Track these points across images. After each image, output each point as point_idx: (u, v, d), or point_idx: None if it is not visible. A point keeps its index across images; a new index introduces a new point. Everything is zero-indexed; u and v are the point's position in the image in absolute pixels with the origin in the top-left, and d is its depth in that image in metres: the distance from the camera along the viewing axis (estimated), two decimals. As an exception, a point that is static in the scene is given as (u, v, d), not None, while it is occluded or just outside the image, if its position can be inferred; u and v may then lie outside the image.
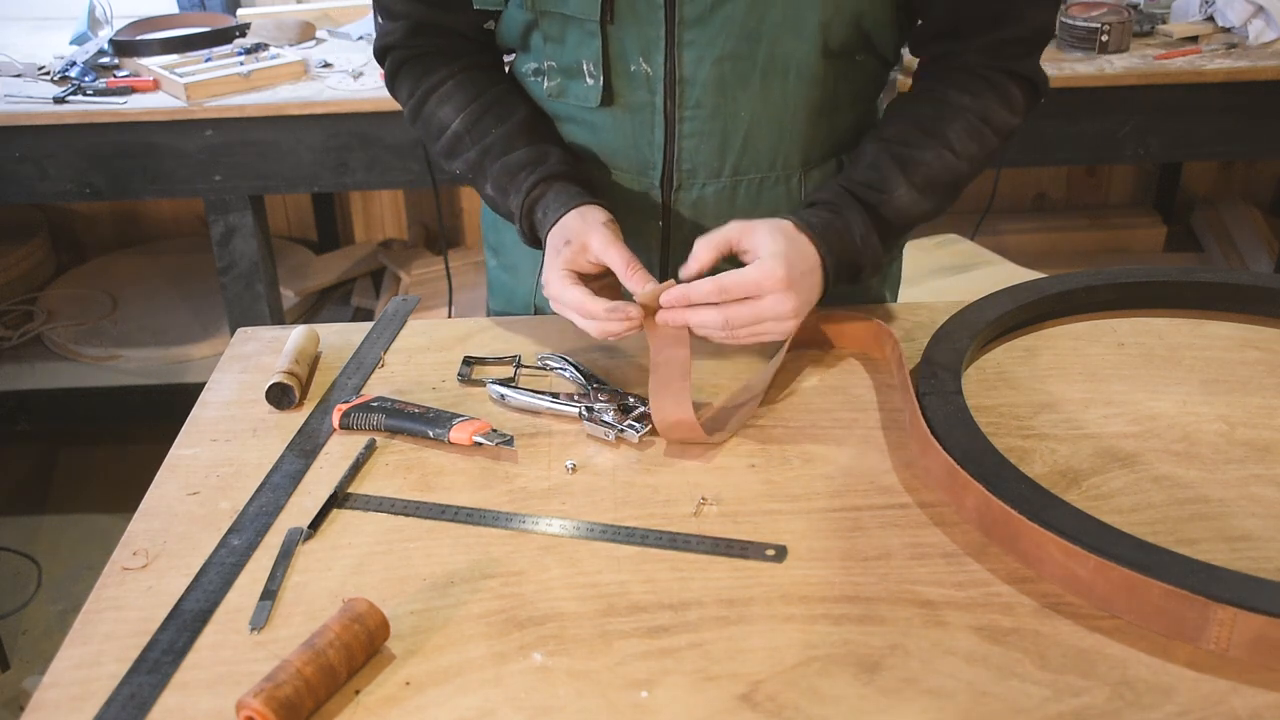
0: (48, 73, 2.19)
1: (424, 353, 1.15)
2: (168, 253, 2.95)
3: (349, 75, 2.19)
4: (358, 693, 0.74)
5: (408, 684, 0.74)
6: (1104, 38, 2.18)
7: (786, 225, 1.00)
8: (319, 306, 2.84)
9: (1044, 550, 0.81)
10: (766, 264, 0.95)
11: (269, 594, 0.82)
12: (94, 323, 2.66)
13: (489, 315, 1.37)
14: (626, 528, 0.88)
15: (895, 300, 1.34)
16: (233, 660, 0.77)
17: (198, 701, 0.73)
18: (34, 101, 2.07)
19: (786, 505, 0.91)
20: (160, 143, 2.12)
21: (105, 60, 2.24)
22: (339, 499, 0.92)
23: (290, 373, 1.06)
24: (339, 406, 1.02)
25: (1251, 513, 0.89)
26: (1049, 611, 0.79)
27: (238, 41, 2.28)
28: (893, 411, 1.02)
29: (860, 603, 0.80)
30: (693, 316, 0.97)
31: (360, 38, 2.41)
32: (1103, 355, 1.11)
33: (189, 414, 1.05)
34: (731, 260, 1.00)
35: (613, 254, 1.00)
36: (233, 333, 1.21)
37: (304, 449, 0.99)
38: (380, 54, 1.20)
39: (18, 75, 2.20)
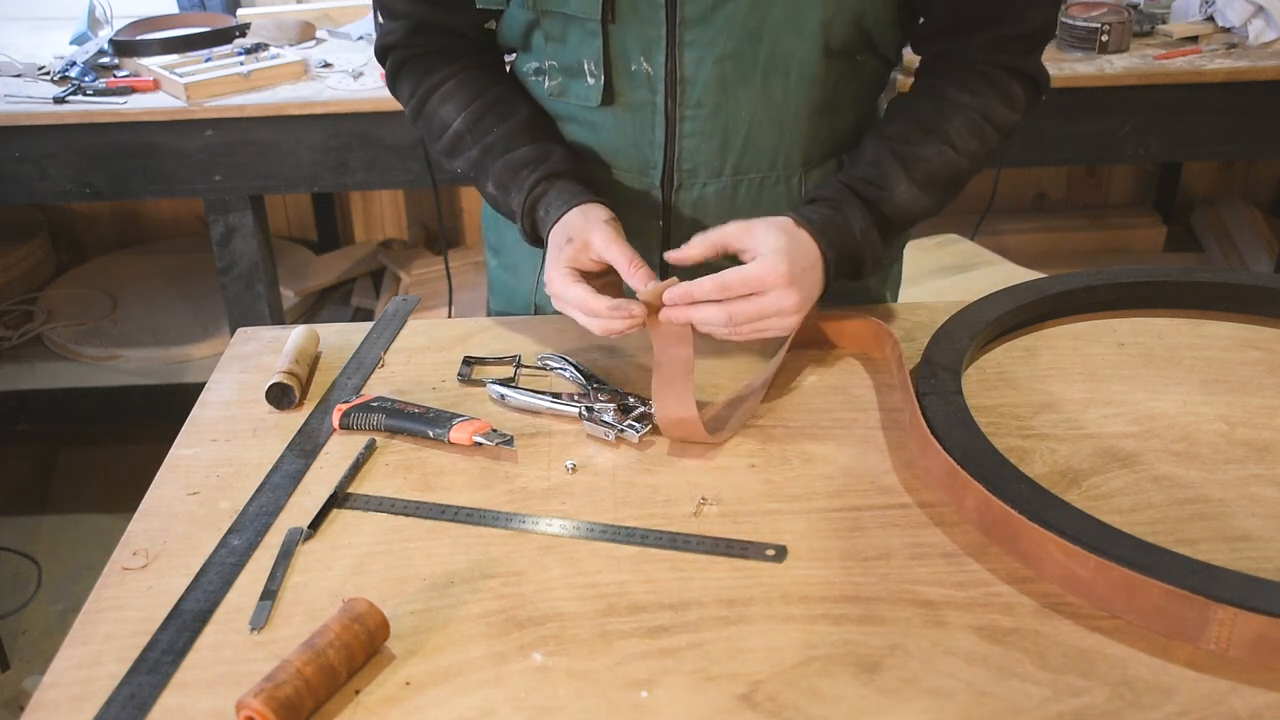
0: (48, 73, 2.19)
1: (424, 353, 1.15)
2: (168, 253, 2.95)
3: (349, 75, 2.19)
4: (358, 693, 0.74)
5: (408, 684, 0.74)
6: (1104, 38, 2.18)
7: (786, 222, 1.00)
8: (319, 306, 2.84)
9: (1044, 550, 0.81)
10: (769, 260, 0.95)
11: (269, 594, 0.82)
12: (94, 323, 2.66)
13: (489, 315, 1.37)
14: (626, 528, 0.88)
15: (895, 300, 1.34)
16: (233, 660, 0.77)
17: (198, 701, 0.74)
18: (34, 101, 2.07)
19: (786, 505, 0.91)
20: (160, 143, 2.12)
21: (105, 60, 2.24)
22: (339, 499, 0.92)
23: (290, 373, 1.06)
24: (339, 406, 1.02)
25: (1251, 513, 0.89)
26: (1049, 611, 0.79)
27: (238, 41, 2.28)
28: (893, 411, 1.02)
29: (860, 603, 0.80)
30: (696, 314, 0.97)
31: (360, 38, 2.41)
32: (1103, 355, 1.11)
33: (189, 414, 1.05)
34: (731, 260, 1.00)
35: (615, 252, 1.00)
36: (233, 333, 1.21)
37: (304, 449, 0.99)
38: (381, 53, 1.20)
39: (18, 75, 2.20)
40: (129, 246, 3.00)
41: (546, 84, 1.15)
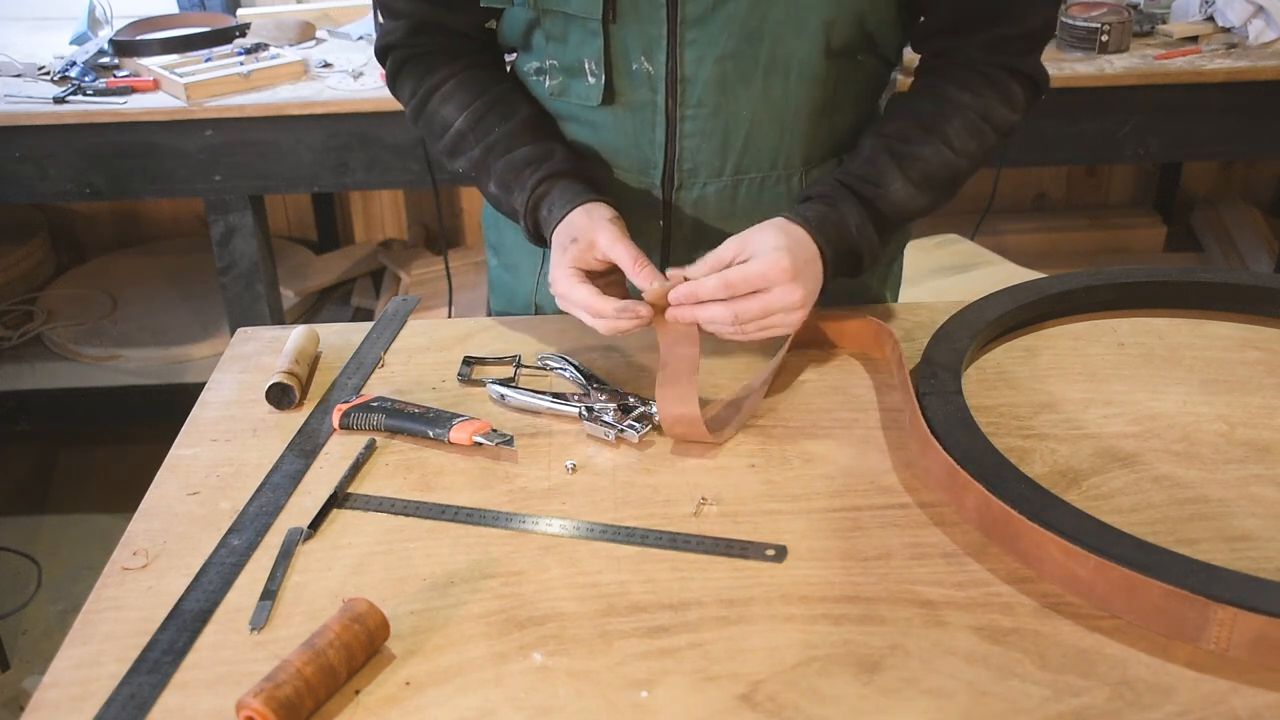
0: (48, 73, 2.19)
1: (424, 353, 1.15)
2: (168, 253, 2.95)
3: (349, 75, 2.19)
4: (358, 693, 0.74)
5: (408, 684, 0.74)
6: (1104, 38, 2.18)
7: (781, 221, 1.00)
8: (319, 306, 2.84)
9: (1044, 550, 0.81)
10: (770, 257, 0.95)
11: (269, 594, 0.82)
12: (94, 323, 2.66)
13: (490, 314, 1.37)
14: (626, 528, 0.88)
15: (895, 300, 1.34)
16: (233, 660, 0.77)
17: (198, 701, 0.73)
18: (34, 101, 2.07)
19: (786, 505, 0.91)
20: (160, 143, 2.12)
21: (105, 60, 2.24)
22: (339, 499, 0.92)
23: (290, 373, 1.06)
24: (339, 406, 1.02)
25: (1251, 513, 0.89)
26: (1049, 611, 0.79)
27: (238, 41, 2.28)
28: (893, 411, 1.02)
29: (860, 603, 0.80)
30: (701, 313, 0.97)
31: (360, 38, 2.41)
32: (1103, 355, 1.11)
33: (189, 414, 1.05)
34: None
35: (619, 250, 1.00)
36: (233, 333, 1.21)
37: (304, 449, 0.99)
38: (381, 53, 1.20)
39: (18, 75, 2.20)
40: (129, 246, 3.00)
41: (547, 83, 1.15)
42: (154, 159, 2.14)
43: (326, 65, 2.25)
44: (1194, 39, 2.26)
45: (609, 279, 1.04)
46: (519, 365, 1.11)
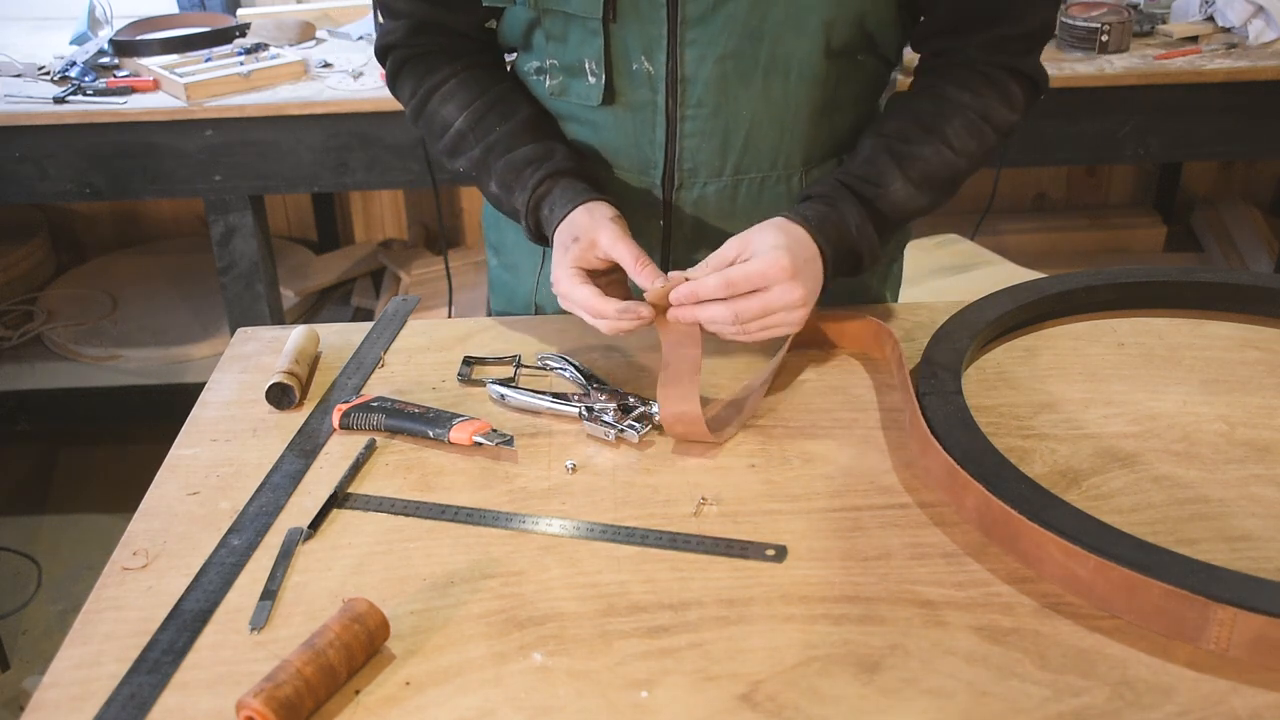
0: (48, 73, 2.19)
1: (424, 353, 1.15)
2: (168, 253, 2.95)
3: (349, 75, 2.19)
4: (358, 693, 0.74)
5: (408, 684, 0.74)
6: (1104, 38, 2.18)
7: (781, 221, 1.00)
8: (319, 306, 2.84)
9: (1044, 550, 0.81)
10: (770, 256, 0.95)
11: (269, 594, 0.82)
12: (94, 323, 2.66)
13: (490, 314, 1.37)
14: (626, 528, 0.88)
15: (895, 300, 1.34)
16: (233, 660, 0.77)
17: (198, 701, 0.73)
18: (34, 101, 2.07)
19: (786, 505, 0.91)
20: (160, 143, 2.12)
21: (105, 60, 2.24)
22: (339, 499, 0.92)
23: (290, 373, 1.06)
24: (339, 406, 1.02)
25: (1251, 513, 0.89)
26: (1049, 611, 0.79)
27: (238, 41, 2.28)
28: (893, 411, 1.02)
29: (860, 603, 0.80)
30: (702, 313, 0.97)
31: (360, 38, 2.41)
32: (1103, 355, 1.11)
33: (189, 414, 1.05)
34: None
35: (621, 249, 1.00)
36: (233, 333, 1.21)
37: (304, 449, 0.99)
38: (381, 53, 1.20)
39: (18, 75, 2.20)
40: (129, 246, 3.00)
41: (547, 83, 1.15)
42: (154, 159, 2.14)
43: (326, 65, 2.25)
44: (1194, 39, 2.26)
45: (610, 278, 1.04)
46: (519, 365, 1.11)
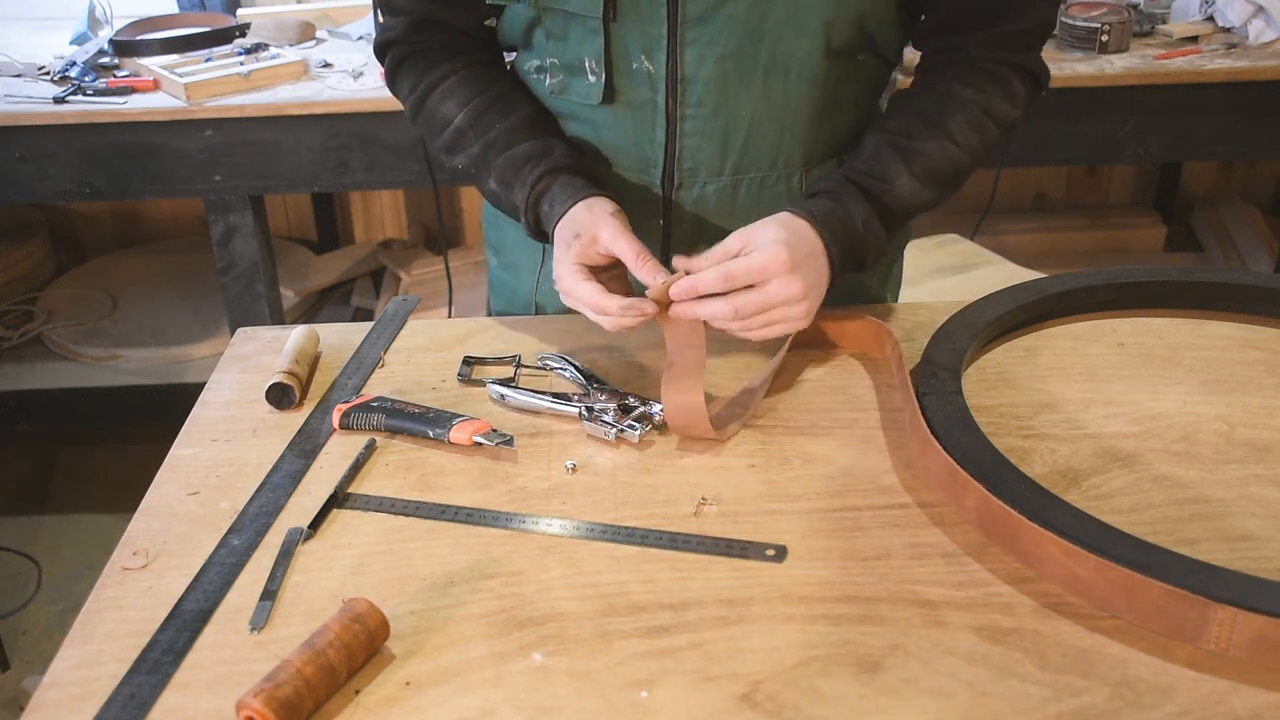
0: (48, 73, 2.19)
1: (424, 353, 1.15)
2: (168, 253, 2.95)
3: (349, 75, 2.19)
4: (358, 693, 0.74)
5: (408, 684, 0.74)
6: (1104, 38, 2.18)
7: (785, 215, 1.00)
8: (319, 306, 2.84)
9: (1044, 550, 0.81)
10: (768, 250, 0.95)
11: (269, 594, 0.82)
12: (94, 323, 2.66)
13: (490, 314, 1.37)
14: (626, 528, 0.88)
15: (895, 300, 1.34)
16: (233, 660, 0.77)
17: (198, 701, 0.73)
18: (34, 101, 2.07)
19: (786, 505, 0.91)
20: (160, 143, 2.12)
21: (105, 60, 2.24)
22: (339, 499, 0.92)
23: (290, 373, 1.06)
24: (339, 406, 1.02)
25: (1251, 513, 0.89)
26: (1049, 611, 0.79)
27: (238, 41, 2.28)
28: (893, 411, 1.02)
29: (860, 603, 0.80)
30: (702, 309, 0.97)
31: (360, 38, 2.41)
32: (1103, 355, 1.11)
33: (189, 414, 1.05)
34: None
35: (622, 245, 1.00)
36: (233, 333, 1.21)
37: (304, 449, 0.99)
38: (380, 50, 1.19)
39: (18, 75, 2.20)
40: (129, 246, 3.00)
41: (547, 82, 1.15)
42: (154, 159, 2.14)
43: (326, 65, 2.25)
44: (1194, 39, 2.26)
45: (611, 273, 1.04)
46: (519, 365, 1.11)
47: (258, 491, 0.94)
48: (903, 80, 1.25)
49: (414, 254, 2.92)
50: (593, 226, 1.01)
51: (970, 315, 1.10)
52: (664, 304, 0.98)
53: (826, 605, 0.80)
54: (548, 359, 1.11)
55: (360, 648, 0.74)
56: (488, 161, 1.12)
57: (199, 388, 1.09)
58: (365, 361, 1.13)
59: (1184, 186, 3.11)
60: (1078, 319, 1.17)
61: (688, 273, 0.97)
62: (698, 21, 1.05)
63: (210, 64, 2.16)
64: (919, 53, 1.16)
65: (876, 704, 0.72)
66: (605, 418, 0.99)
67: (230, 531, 0.89)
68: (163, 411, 2.34)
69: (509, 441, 0.96)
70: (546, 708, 0.72)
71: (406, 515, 0.91)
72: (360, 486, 0.94)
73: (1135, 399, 1.03)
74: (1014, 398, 1.04)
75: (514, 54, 1.21)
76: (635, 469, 0.96)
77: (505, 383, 1.06)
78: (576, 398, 1.03)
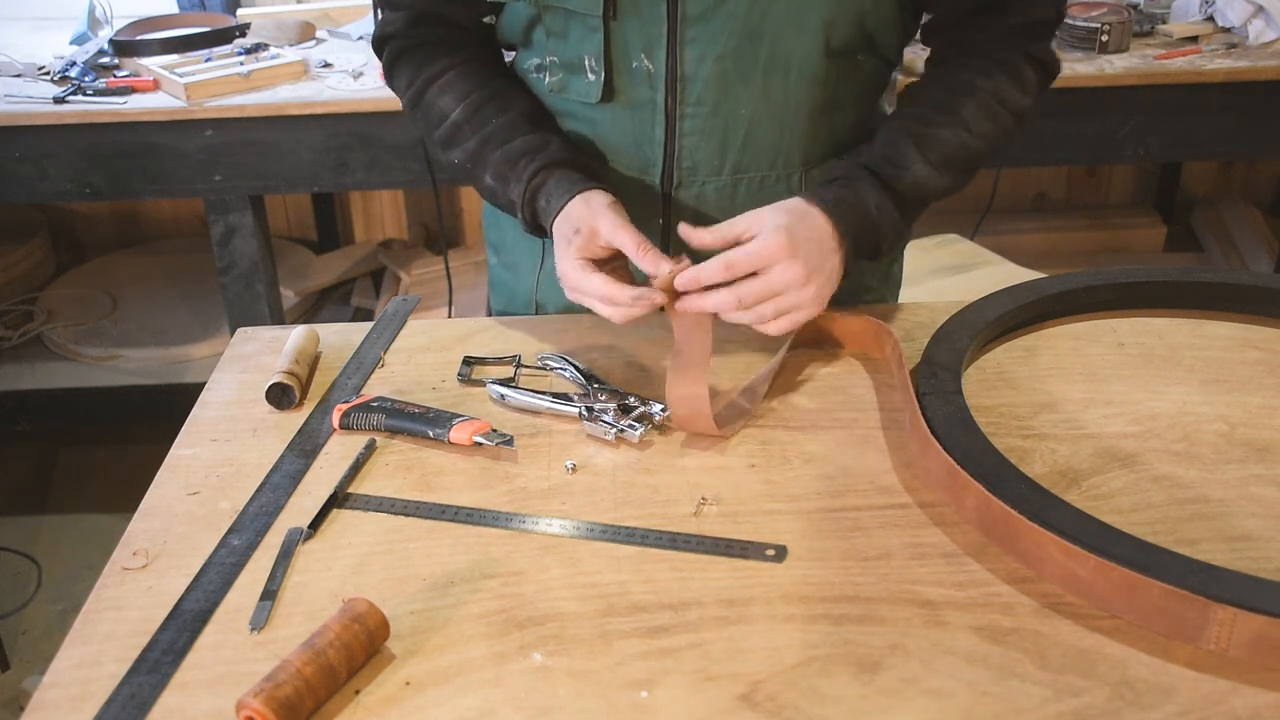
0: (48, 73, 2.19)
1: (424, 353, 1.15)
2: (168, 253, 2.95)
3: (349, 75, 2.19)
4: (358, 693, 0.74)
5: (408, 684, 0.74)
6: (1104, 38, 2.18)
7: (796, 202, 1.01)
8: (319, 306, 2.84)
9: (1044, 550, 0.81)
10: (768, 235, 0.96)
11: (269, 594, 0.82)
12: (94, 323, 2.66)
13: (490, 312, 1.37)
14: (626, 528, 0.88)
15: (895, 300, 1.34)
16: (233, 660, 0.77)
17: (198, 701, 0.73)
18: (34, 101, 2.07)
19: (786, 505, 0.91)
20: (160, 143, 2.12)
21: (105, 60, 2.24)
22: (339, 499, 0.92)
23: (290, 373, 1.06)
24: (339, 406, 1.02)
25: (1251, 513, 0.89)
26: (1049, 611, 0.79)
27: (238, 41, 2.28)
28: (893, 411, 1.02)
29: (860, 603, 0.80)
30: (706, 301, 0.97)
31: (360, 38, 2.41)
32: (1103, 355, 1.11)
33: (189, 414, 1.05)
34: None
35: (623, 236, 1.00)
36: (233, 333, 1.21)
37: (304, 449, 0.99)
38: (379, 43, 1.20)
39: (18, 75, 2.20)
40: (129, 246, 3.00)
41: (547, 80, 1.15)
42: (154, 159, 2.14)
43: (326, 65, 2.25)
44: (1194, 39, 2.26)
45: (612, 265, 1.04)
46: (519, 365, 1.11)
47: (258, 491, 0.94)
48: (903, 80, 1.25)
49: (414, 254, 2.92)
50: (591, 221, 1.01)
51: (970, 315, 1.10)
52: (670, 292, 0.98)
53: (826, 605, 0.80)
54: (548, 359, 1.11)
55: (360, 648, 0.74)
56: (484, 156, 1.12)
57: (199, 388, 1.09)
58: (365, 361, 1.13)
59: (1184, 186, 3.11)
60: (1078, 319, 1.17)
61: (690, 258, 0.97)
62: (698, 20, 1.05)
63: (210, 64, 2.16)
64: (929, 48, 1.16)
65: (876, 704, 0.72)
66: (605, 418, 0.99)
67: (230, 531, 0.89)
68: (163, 411, 2.34)
69: (509, 441, 0.96)
70: (546, 708, 0.72)
71: (406, 515, 0.91)
72: (360, 486, 0.94)
73: (1135, 399, 1.03)
74: (1014, 398, 1.04)
75: (513, 54, 1.21)
76: (635, 469, 0.96)
77: (505, 383, 1.06)
78: (576, 398, 1.03)
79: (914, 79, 1.16)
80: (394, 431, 1.01)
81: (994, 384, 1.06)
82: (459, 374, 1.10)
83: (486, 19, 1.17)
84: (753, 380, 1.06)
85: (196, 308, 2.71)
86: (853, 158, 1.08)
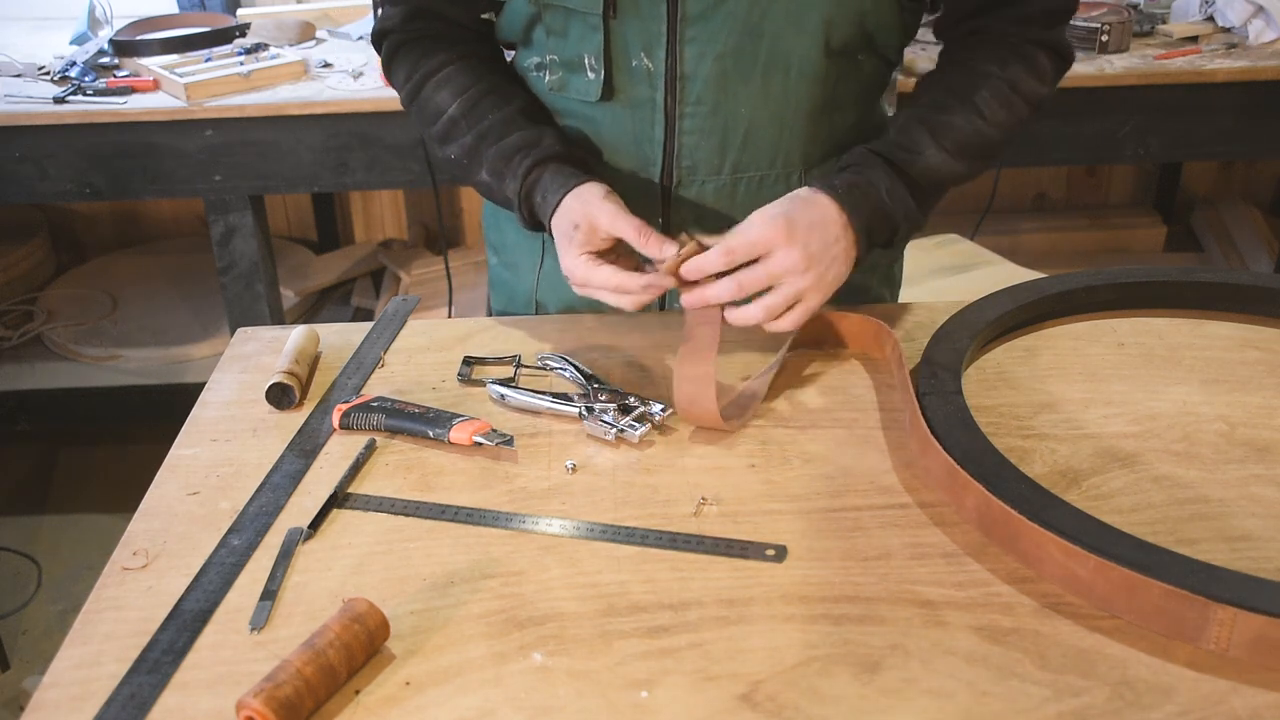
0: (48, 73, 2.19)
1: (424, 353, 1.15)
2: (168, 253, 2.95)
3: (349, 75, 2.19)
4: (358, 693, 0.74)
5: (408, 684, 0.74)
6: (1104, 38, 2.18)
7: (802, 189, 1.01)
8: (319, 306, 2.84)
9: (1044, 550, 0.81)
10: (765, 223, 0.96)
11: (269, 594, 0.82)
12: (94, 323, 2.66)
13: (490, 313, 1.37)
14: (626, 528, 0.88)
15: (895, 300, 1.34)
16: (233, 660, 0.77)
17: (198, 701, 0.73)
18: (34, 101, 2.07)
19: (786, 505, 0.91)
20: (160, 143, 2.12)
21: (105, 60, 2.24)
22: (339, 499, 0.92)
23: (290, 373, 1.06)
24: (339, 406, 1.02)
25: (1251, 513, 0.89)
26: (1049, 611, 0.79)
27: (238, 41, 2.28)
28: (893, 411, 1.02)
29: (860, 603, 0.80)
30: (709, 292, 0.97)
31: (360, 38, 2.41)
32: (1103, 355, 1.11)
33: (189, 414, 1.05)
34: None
35: (622, 225, 1.00)
36: (233, 333, 1.21)
37: (304, 449, 0.99)
38: (378, 38, 1.20)
39: (18, 75, 2.20)
40: (129, 246, 3.01)
41: (547, 79, 1.15)
42: (154, 159, 2.14)
43: (326, 65, 2.25)
44: (1194, 39, 2.26)
45: (616, 254, 1.03)
46: (519, 365, 1.11)
47: (258, 491, 0.94)
48: (903, 81, 1.25)
49: (414, 254, 2.92)
50: (589, 214, 1.01)
51: (970, 315, 1.10)
52: (678, 274, 0.98)
53: (826, 605, 0.80)
54: (548, 359, 1.11)
55: (360, 648, 0.74)
56: (479, 152, 1.12)
57: (199, 388, 1.09)
58: (365, 361, 1.13)
59: (1184, 186, 3.11)
60: (1078, 319, 1.17)
61: (696, 240, 0.97)
62: (698, 19, 1.05)
63: (210, 64, 2.16)
64: (942, 41, 1.17)
65: (876, 704, 0.72)
66: (605, 418, 0.99)
67: (230, 531, 0.89)
68: (163, 411, 2.34)
69: (509, 441, 0.96)
70: (546, 708, 0.72)
71: (406, 515, 0.91)
72: (360, 486, 0.94)
73: (1135, 399, 1.03)
74: (1014, 398, 1.04)
75: (513, 53, 1.21)
76: (635, 469, 0.96)
77: (505, 383, 1.06)
78: (576, 398, 1.03)
79: (914, 79, 1.16)
80: (394, 431, 1.01)
81: (994, 384, 1.06)
82: (459, 374, 1.10)
83: (485, 15, 1.17)
84: (753, 380, 1.06)
85: (196, 308, 2.71)
86: (865, 145, 1.08)
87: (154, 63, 2.16)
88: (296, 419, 1.04)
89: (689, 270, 0.97)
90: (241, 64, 2.15)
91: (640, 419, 1.00)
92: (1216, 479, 0.92)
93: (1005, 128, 1.10)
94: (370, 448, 0.99)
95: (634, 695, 0.73)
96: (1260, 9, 2.24)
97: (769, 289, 0.98)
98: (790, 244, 0.96)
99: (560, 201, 1.04)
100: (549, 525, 0.89)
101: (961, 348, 1.04)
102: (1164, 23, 2.33)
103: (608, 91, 1.11)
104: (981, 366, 1.09)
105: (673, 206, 1.15)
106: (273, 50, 2.26)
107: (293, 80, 2.17)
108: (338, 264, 2.89)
